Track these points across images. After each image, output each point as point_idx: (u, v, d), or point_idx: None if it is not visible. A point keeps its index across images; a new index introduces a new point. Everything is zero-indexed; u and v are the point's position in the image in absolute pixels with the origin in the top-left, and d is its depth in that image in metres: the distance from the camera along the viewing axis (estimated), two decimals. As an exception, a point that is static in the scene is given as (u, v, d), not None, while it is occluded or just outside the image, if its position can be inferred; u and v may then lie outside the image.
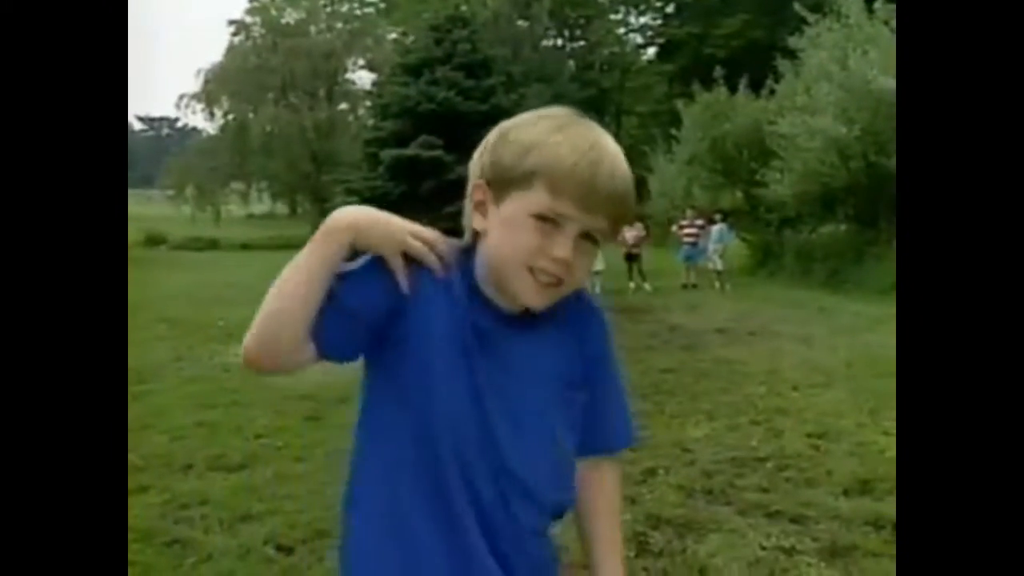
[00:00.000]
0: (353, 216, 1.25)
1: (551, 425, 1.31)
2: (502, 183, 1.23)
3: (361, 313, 1.26)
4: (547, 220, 1.20)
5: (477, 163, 1.30)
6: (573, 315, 1.35)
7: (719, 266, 16.16)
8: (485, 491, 1.25)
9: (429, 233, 1.27)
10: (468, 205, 1.30)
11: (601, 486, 1.43)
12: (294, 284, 1.25)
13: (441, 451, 1.25)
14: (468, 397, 1.24)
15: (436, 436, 1.25)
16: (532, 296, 1.23)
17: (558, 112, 1.28)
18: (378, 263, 1.25)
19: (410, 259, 1.25)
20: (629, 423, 1.44)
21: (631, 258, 16.17)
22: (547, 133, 1.22)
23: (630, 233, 16.44)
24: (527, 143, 1.22)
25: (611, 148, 1.24)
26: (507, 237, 1.23)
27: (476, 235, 1.28)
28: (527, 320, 1.29)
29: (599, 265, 15.27)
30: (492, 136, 1.30)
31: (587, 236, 1.23)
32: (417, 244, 1.25)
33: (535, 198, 1.20)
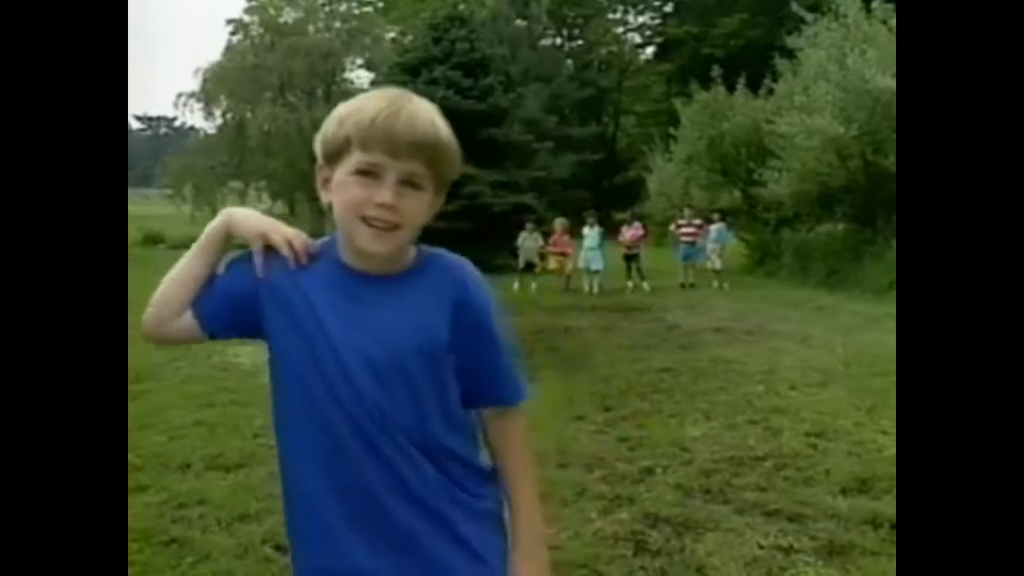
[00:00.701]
0: (232, 212, 1.53)
1: (409, 371, 1.43)
2: (330, 156, 1.42)
3: (228, 291, 1.49)
4: (367, 174, 1.37)
5: (315, 151, 1.47)
6: (448, 284, 1.48)
7: (717, 265, 16.16)
8: (344, 429, 1.41)
9: (288, 231, 1.49)
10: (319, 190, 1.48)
11: (501, 431, 1.56)
12: (178, 266, 1.52)
13: (314, 399, 1.42)
14: (328, 346, 1.41)
15: (307, 386, 1.42)
16: (371, 242, 1.39)
17: (375, 91, 1.47)
18: (246, 256, 1.50)
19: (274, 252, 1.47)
20: (515, 379, 1.57)
21: (630, 258, 16.18)
22: (354, 103, 1.42)
23: (629, 233, 16.45)
24: (341, 116, 1.41)
25: (413, 103, 1.41)
26: (339, 197, 1.41)
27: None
28: (395, 282, 1.46)
29: (598, 264, 15.30)
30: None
31: (409, 183, 1.39)
32: (276, 237, 1.47)
33: (353, 158, 1.38)
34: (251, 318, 1.48)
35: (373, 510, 1.42)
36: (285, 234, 1.48)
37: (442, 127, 1.43)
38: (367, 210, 1.37)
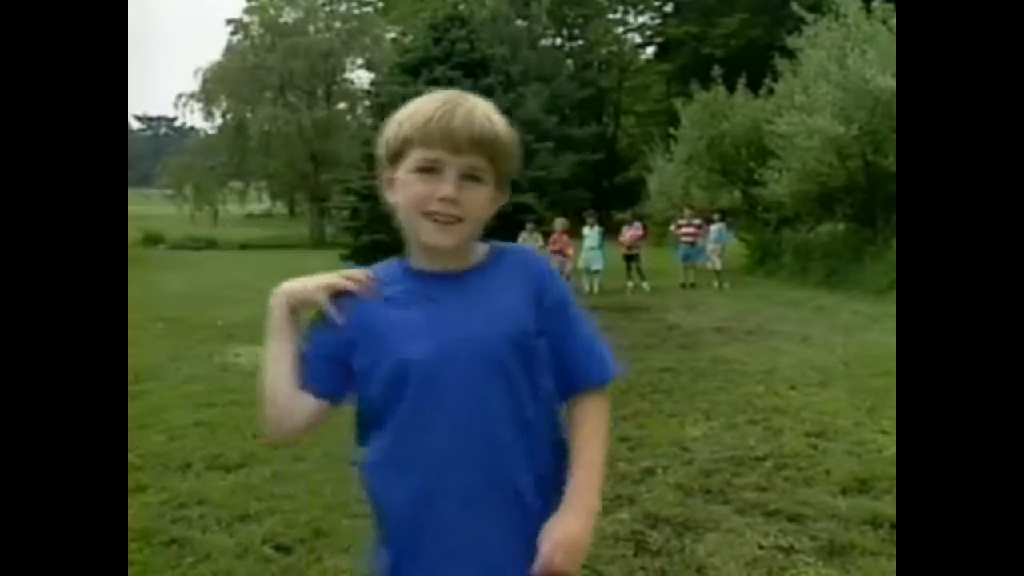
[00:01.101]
0: (283, 288, 1.50)
1: (502, 361, 1.44)
2: (392, 157, 1.46)
3: (323, 354, 1.50)
4: (428, 171, 1.42)
5: (378, 155, 1.51)
6: (525, 272, 1.52)
7: (717, 265, 16.16)
8: (443, 427, 1.43)
9: (347, 272, 1.52)
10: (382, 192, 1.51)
11: (587, 419, 1.53)
12: (266, 367, 1.50)
13: (410, 403, 1.43)
14: (418, 343, 1.42)
15: (401, 393, 1.43)
16: (435, 235, 1.43)
17: (431, 93, 1.49)
18: (320, 318, 1.49)
19: (348, 294, 1.48)
20: (603, 358, 1.57)
21: (630, 258, 16.18)
22: (412, 104, 1.46)
23: (629, 233, 16.45)
24: (400, 119, 1.46)
25: (469, 100, 1.45)
26: (403, 195, 1.45)
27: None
28: (472, 277, 1.49)
29: (598, 264, 15.31)
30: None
31: (470, 177, 1.43)
32: (337, 281, 1.49)
33: (414, 156, 1.42)
34: (349, 368, 1.50)
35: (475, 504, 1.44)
36: (342, 275, 1.51)
37: (499, 122, 1.46)
38: (430, 205, 1.41)
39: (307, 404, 1.50)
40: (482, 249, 1.53)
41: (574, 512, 1.47)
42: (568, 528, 1.45)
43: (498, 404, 1.43)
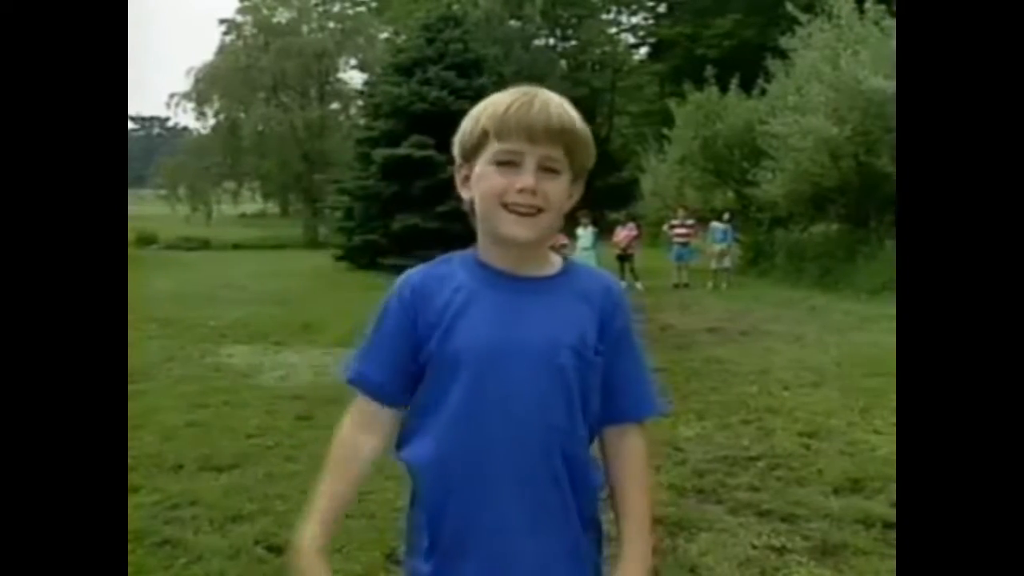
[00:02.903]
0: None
1: (563, 368, 1.42)
2: (468, 152, 1.45)
3: (392, 364, 1.49)
4: (507, 163, 1.39)
5: (454, 152, 1.49)
6: (593, 290, 1.50)
7: (725, 264, 16.18)
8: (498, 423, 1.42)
9: None
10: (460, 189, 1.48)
11: (627, 456, 1.56)
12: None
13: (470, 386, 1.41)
14: (483, 334, 1.41)
15: (462, 383, 1.41)
16: (514, 228, 1.40)
17: (504, 90, 1.46)
18: (387, 324, 1.49)
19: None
20: (653, 393, 1.58)
21: (623, 258, 16.18)
22: (488, 99, 1.44)
23: (622, 233, 16.46)
24: (476, 113, 1.44)
25: (545, 92, 1.44)
26: (481, 188, 1.42)
27: (472, 211, 1.46)
28: (543, 284, 1.47)
29: (592, 264, 15.31)
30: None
31: (548, 169, 1.40)
32: None
33: (491, 149, 1.40)
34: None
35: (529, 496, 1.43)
36: None
37: (575, 114, 1.44)
38: (509, 196, 1.39)
39: (391, 424, 1.52)
40: (557, 261, 1.52)
41: (634, 563, 1.50)
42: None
43: (555, 408, 1.42)
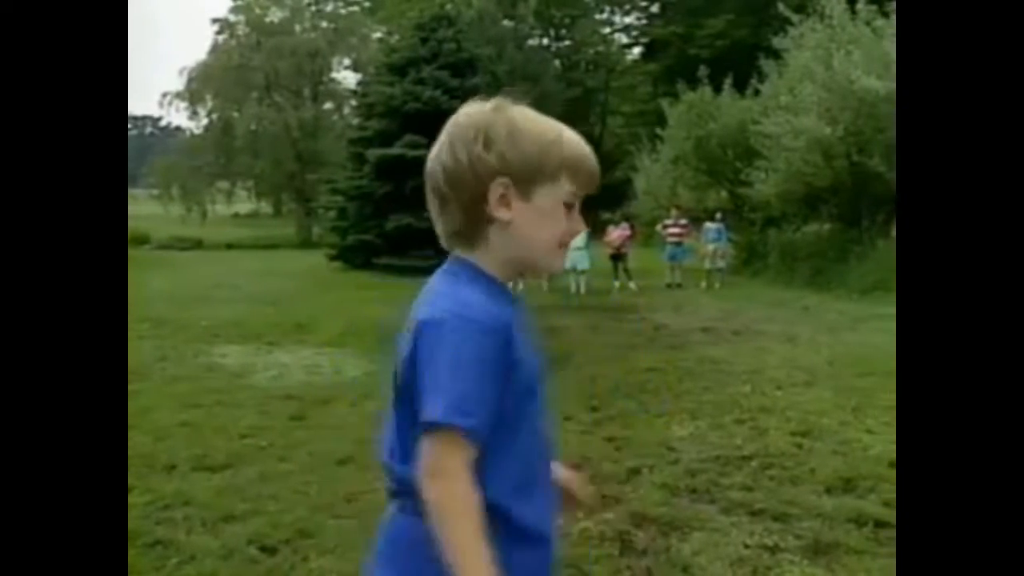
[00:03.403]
0: None
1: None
2: (528, 176, 1.39)
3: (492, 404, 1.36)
4: (570, 205, 1.43)
5: (486, 159, 1.38)
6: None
7: (719, 264, 16.22)
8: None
9: None
10: (477, 199, 1.39)
11: None
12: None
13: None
14: (535, 357, 1.45)
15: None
16: (560, 266, 1.50)
17: (521, 107, 1.44)
18: (483, 352, 1.32)
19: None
20: None
21: (616, 258, 16.20)
22: (556, 129, 1.43)
23: (615, 233, 16.47)
24: (548, 139, 1.41)
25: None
26: (547, 224, 1.42)
27: (486, 227, 1.41)
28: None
29: (584, 264, 15.32)
30: (497, 131, 1.39)
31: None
32: None
33: (564, 188, 1.41)
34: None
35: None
36: None
37: None
38: (566, 238, 1.46)
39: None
40: None
41: None
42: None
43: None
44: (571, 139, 1.43)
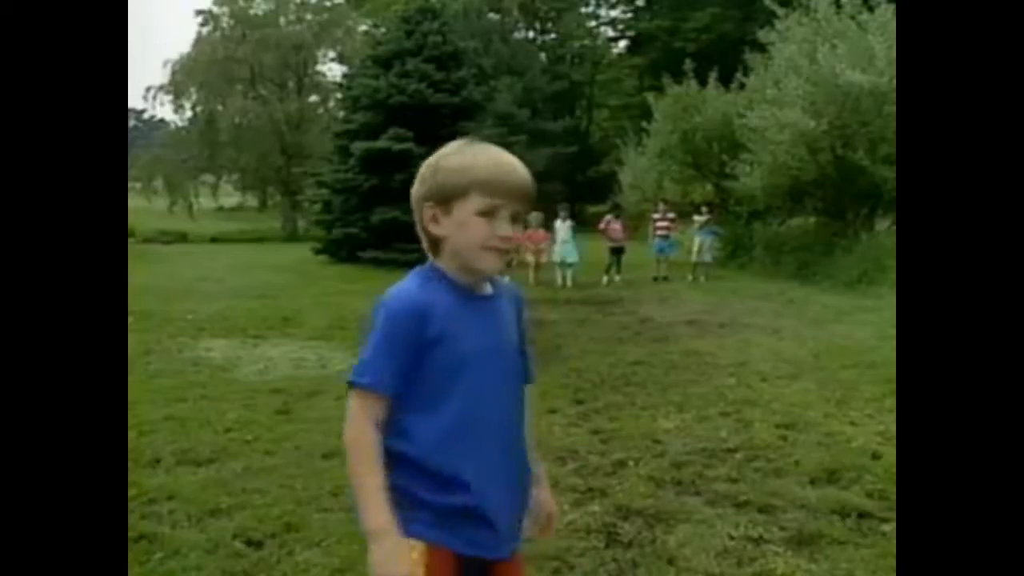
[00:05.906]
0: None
1: (516, 363, 1.88)
2: (444, 197, 1.75)
3: (404, 365, 1.74)
4: (487, 213, 1.73)
5: (419, 191, 1.80)
6: (511, 296, 1.93)
7: (705, 258, 16.26)
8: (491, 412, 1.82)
9: None
10: (422, 222, 1.80)
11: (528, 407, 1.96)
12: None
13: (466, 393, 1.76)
14: (475, 341, 1.77)
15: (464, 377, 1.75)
16: (492, 266, 1.78)
17: (461, 143, 1.82)
18: (391, 341, 1.73)
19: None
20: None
21: (618, 251, 16.19)
22: (473, 158, 1.76)
23: (614, 226, 16.50)
24: (460, 167, 1.75)
25: (508, 155, 1.80)
26: (467, 232, 1.75)
27: (436, 241, 1.79)
28: (494, 300, 1.85)
29: (572, 257, 15.34)
30: (427, 169, 1.80)
31: (514, 217, 1.77)
32: None
33: (476, 201, 1.73)
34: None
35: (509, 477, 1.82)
36: None
37: (528, 172, 1.83)
38: (491, 242, 1.75)
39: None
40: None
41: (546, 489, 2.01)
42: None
43: (518, 390, 1.88)
44: (487, 163, 1.75)
